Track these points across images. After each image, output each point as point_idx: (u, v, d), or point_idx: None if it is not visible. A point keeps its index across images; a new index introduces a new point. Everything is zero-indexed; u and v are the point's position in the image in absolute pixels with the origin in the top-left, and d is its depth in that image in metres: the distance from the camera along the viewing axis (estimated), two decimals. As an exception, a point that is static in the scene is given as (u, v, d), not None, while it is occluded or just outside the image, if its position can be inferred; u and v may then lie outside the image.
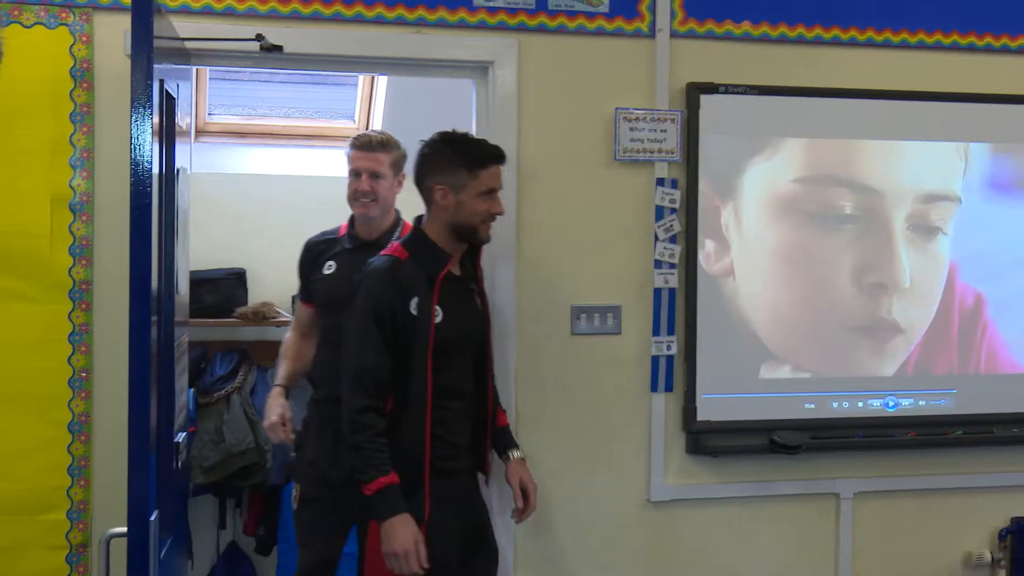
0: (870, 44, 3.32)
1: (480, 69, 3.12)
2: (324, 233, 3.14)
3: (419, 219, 2.75)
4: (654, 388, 3.21)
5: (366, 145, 3.00)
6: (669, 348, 3.20)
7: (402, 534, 2.53)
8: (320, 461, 2.93)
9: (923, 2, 3.36)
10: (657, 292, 3.20)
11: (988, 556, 3.45)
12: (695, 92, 3.18)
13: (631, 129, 3.16)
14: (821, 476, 3.33)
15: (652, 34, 3.18)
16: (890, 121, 3.30)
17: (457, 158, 2.63)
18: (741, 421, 3.21)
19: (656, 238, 3.19)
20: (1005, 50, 3.41)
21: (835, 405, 3.31)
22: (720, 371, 3.21)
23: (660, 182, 3.19)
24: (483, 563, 2.80)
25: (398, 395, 2.59)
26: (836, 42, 3.30)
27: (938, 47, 3.37)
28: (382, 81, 4.26)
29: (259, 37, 2.80)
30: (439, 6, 3.03)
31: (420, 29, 3.04)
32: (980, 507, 3.46)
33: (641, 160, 3.18)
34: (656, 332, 3.21)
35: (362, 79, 4.32)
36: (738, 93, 3.20)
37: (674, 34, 3.19)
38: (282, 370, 3.17)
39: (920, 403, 3.33)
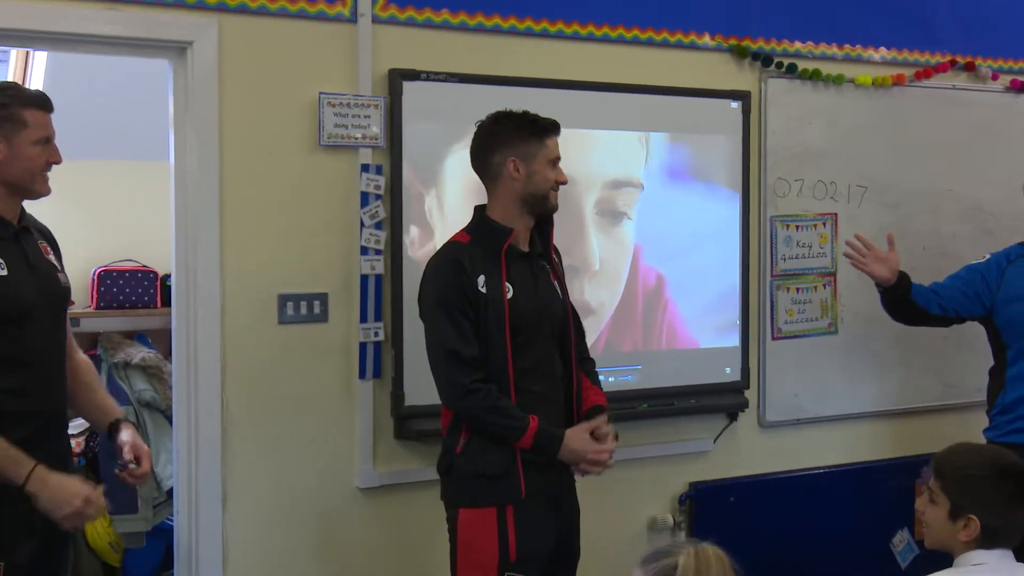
0: (560, 36, 3.82)
1: (178, 49, 3.32)
2: None
3: (480, 208, 3.07)
4: (362, 375, 3.55)
5: (48, 104, 2.73)
6: (376, 335, 3.56)
7: (578, 446, 2.98)
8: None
9: (609, -2, 3.90)
10: (364, 279, 3.53)
11: (671, 520, 4.08)
12: (397, 78, 3.54)
13: (335, 115, 3.47)
14: (525, 453, 3.79)
15: (354, 18, 3.49)
16: (580, 111, 3.77)
17: (525, 129, 2.96)
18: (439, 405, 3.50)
19: (362, 224, 3.51)
20: (679, 45, 4.03)
21: (536, 385, 3.77)
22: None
23: (365, 168, 3.52)
24: (567, 561, 3.15)
25: (488, 373, 2.90)
26: (529, 32, 3.77)
27: (621, 41, 3.93)
28: (40, 56, 4.26)
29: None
30: (134, -19, 3.21)
31: (113, 5, 3.19)
32: (662, 475, 4.08)
33: (346, 146, 3.50)
34: (363, 319, 3.53)
35: (15, 53, 4.33)
36: (439, 80, 3.59)
37: (376, 19, 3.52)
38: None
39: (611, 379, 3.82)
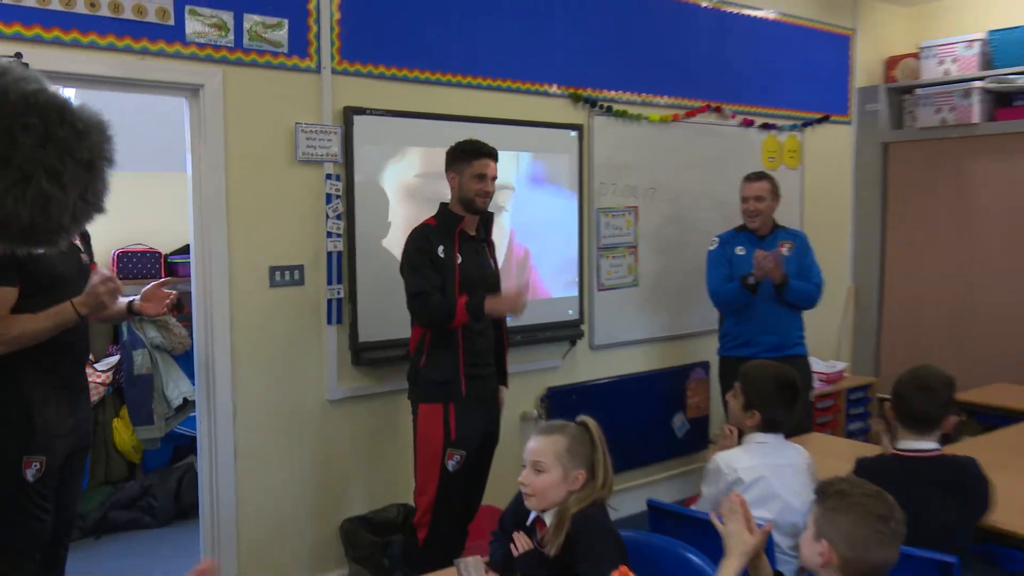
0: (460, 85, 3.75)
1: (192, 90, 3.12)
2: None
3: (444, 204, 3.09)
4: (329, 322, 3.44)
5: None
6: (339, 293, 3.45)
7: (496, 302, 2.92)
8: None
9: (493, 59, 3.82)
10: (329, 254, 3.42)
11: (535, 413, 4.12)
12: (350, 113, 3.42)
13: (307, 138, 3.33)
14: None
15: (319, 70, 3.36)
16: (476, 137, 3.68)
17: (460, 153, 2.96)
18: (391, 340, 3.49)
19: (327, 216, 3.40)
20: (539, 93, 4.01)
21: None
22: (376, 306, 3.49)
23: (329, 176, 3.40)
24: (490, 444, 3.15)
25: None
26: (439, 83, 3.69)
27: (500, 89, 3.89)
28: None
29: (18, 55, 2.60)
30: (159, 39, 3.01)
31: (143, 56, 2.97)
32: (529, 383, 4.11)
33: (315, 161, 3.37)
34: (330, 282, 3.43)
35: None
36: (379, 115, 3.49)
37: (334, 71, 3.39)
38: None
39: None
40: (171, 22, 3.00)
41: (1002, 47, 5.05)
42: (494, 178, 3.07)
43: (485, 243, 3.17)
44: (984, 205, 5.13)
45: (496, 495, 3.36)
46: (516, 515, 2.06)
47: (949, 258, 5.28)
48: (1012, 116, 4.97)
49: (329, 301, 3.43)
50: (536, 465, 1.95)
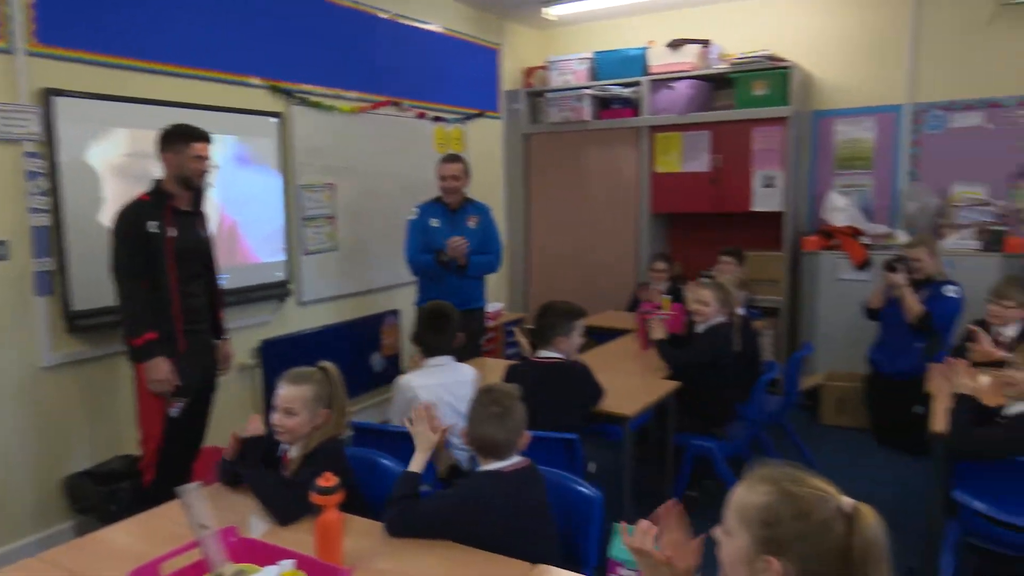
0: (164, 72, 3.49)
1: None
2: None
3: (158, 180, 2.86)
4: (40, 293, 3.09)
5: None
6: (48, 266, 3.09)
7: (162, 368, 2.75)
8: None
9: (197, 50, 3.60)
10: (36, 229, 3.05)
11: (251, 362, 4.03)
12: (48, 94, 3.05)
13: (2, 118, 2.91)
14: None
15: (12, 52, 2.95)
16: (182, 121, 3.37)
17: (177, 136, 2.69)
18: (107, 307, 3.16)
19: (30, 192, 3.02)
20: (242, 84, 3.86)
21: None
22: (91, 276, 3.16)
23: (30, 154, 3.01)
24: (209, 391, 2.97)
25: (156, 282, 2.65)
26: (140, 69, 3.40)
27: (206, 79, 3.68)
28: None
29: None
30: None
31: None
32: (245, 337, 3.99)
33: (12, 140, 2.97)
34: (39, 256, 3.06)
35: None
36: (82, 97, 3.15)
37: (30, 53, 3.00)
38: None
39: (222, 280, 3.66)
40: None
41: (603, 64, 5.79)
42: (208, 159, 2.94)
43: (197, 216, 3.04)
44: (594, 181, 5.89)
45: (218, 437, 3.27)
46: (269, 445, 2.09)
47: (572, 222, 6.00)
48: (611, 116, 5.74)
49: (39, 274, 3.06)
50: (287, 410, 1.98)
